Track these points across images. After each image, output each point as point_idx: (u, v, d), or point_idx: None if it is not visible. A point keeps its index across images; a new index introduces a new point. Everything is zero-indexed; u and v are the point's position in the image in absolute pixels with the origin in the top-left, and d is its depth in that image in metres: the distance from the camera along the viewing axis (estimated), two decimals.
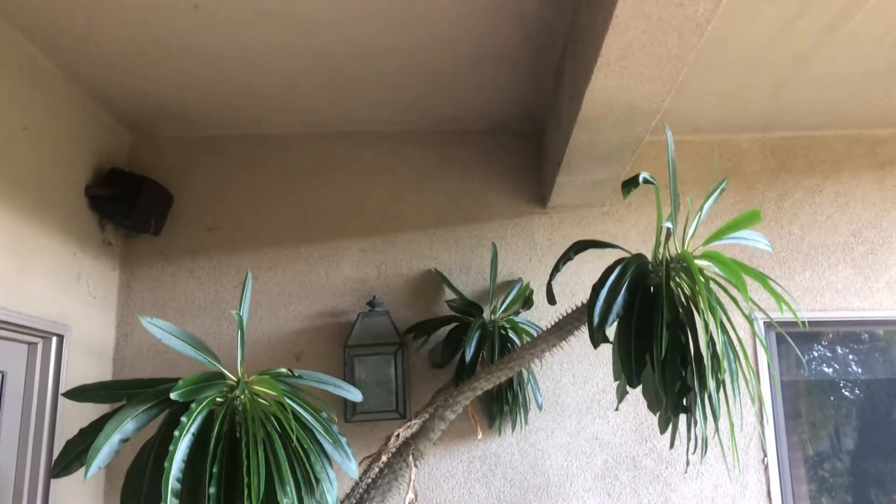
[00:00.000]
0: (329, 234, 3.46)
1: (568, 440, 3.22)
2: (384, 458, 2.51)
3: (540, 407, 3.19)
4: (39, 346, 2.84)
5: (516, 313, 3.29)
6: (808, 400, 3.68)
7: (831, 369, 3.69)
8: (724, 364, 2.23)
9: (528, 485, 3.19)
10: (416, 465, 2.44)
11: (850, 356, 3.67)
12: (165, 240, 3.42)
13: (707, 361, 2.16)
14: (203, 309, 3.34)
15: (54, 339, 2.87)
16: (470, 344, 3.06)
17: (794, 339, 3.41)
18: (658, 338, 2.15)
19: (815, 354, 3.62)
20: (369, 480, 2.44)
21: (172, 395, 1.82)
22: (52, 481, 2.75)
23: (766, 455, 3.18)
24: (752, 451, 3.19)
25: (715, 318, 2.22)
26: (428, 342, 3.29)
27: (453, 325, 3.23)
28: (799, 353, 3.20)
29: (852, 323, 3.41)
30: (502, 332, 3.16)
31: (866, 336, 3.63)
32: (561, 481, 3.19)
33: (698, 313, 2.21)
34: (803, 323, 3.34)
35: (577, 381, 3.28)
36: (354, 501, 2.43)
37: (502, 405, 3.11)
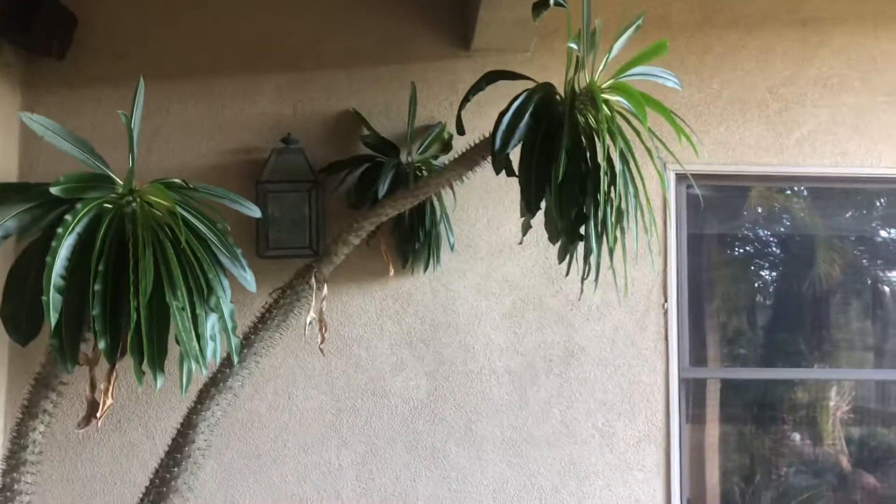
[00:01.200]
0: (245, 68, 3.34)
1: (479, 281, 3.29)
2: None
3: (452, 247, 3.23)
4: None
5: (434, 157, 3.28)
6: (719, 255, 3.83)
7: (747, 229, 3.85)
8: (622, 191, 2.27)
9: (438, 322, 3.27)
10: (318, 288, 2.47)
11: (768, 215, 3.82)
12: (71, 66, 3.26)
13: (603, 188, 2.19)
14: (111, 139, 3.15)
15: None
16: (384, 182, 3.04)
17: (714, 200, 3.49)
18: (556, 163, 2.17)
19: (733, 215, 3.75)
20: (272, 301, 2.47)
21: (52, 189, 1.78)
22: None
23: (666, 300, 3.31)
24: (654, 295, 3.31)
25: (615, 145, 2.25)
26: (345, 182, 3.26)
27: (369, 164, 3.21)
28: (700, 195, 3.27)
29: (761, 178, 3.48)
30: (418, 173, 3.15)
31: (781, 198, 3.76)
32: (470, 319, 3.28)
33: (600, 142, 2.23)
34: (718, 176, 3.42)
35: (492, 225, 3.32)
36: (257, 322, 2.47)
37: (414, 244, 3.14)
